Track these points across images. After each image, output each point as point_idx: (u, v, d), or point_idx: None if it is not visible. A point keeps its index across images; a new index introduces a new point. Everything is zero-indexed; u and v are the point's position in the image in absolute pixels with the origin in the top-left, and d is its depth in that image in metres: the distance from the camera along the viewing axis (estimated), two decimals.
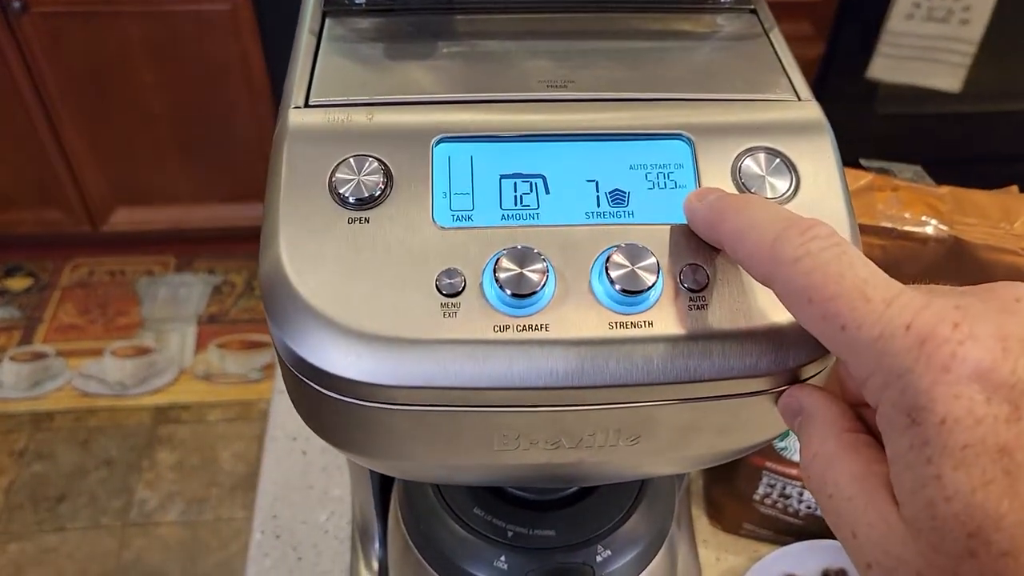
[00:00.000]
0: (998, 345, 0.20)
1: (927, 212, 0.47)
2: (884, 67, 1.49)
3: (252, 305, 2.02)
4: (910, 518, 0.21)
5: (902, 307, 0.22)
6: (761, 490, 0.58)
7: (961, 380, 0.20)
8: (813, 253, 0.24)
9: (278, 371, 0.76)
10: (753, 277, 0.26)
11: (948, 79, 1.51)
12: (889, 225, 0.47)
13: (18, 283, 2.07)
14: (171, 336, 1.95)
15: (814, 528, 0.59)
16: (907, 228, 0.47)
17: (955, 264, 0.48)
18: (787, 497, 0.58)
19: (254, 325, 1.98)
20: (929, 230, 0.47)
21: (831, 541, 0.58)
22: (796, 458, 0.56)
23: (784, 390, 0.30)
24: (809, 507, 0.58)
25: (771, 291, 0.29)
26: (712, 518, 0.64)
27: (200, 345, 1.93)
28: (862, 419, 0.26)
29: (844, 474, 0.24)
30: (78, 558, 1.54)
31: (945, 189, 0.49)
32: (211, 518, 1.61)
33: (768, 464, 0.57)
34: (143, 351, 1.92)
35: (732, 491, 0.60)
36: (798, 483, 0.57)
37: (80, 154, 1.84)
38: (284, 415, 0.71)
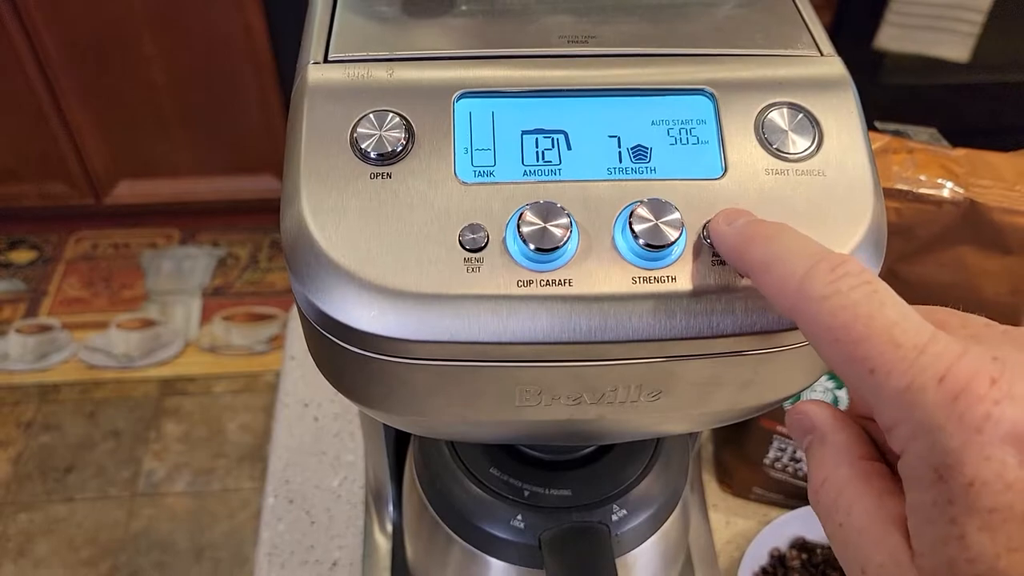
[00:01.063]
0: None
1: (943, 174, 0.47)
2: (892, 36, 1.48)
3: (257, 278, 2.03)
4: (928, 570, 0.21)
5: (935, 356, 0.20)
6: (771, 454, 0.59)
7: (994, 442, 0.19)
8: (843, 292, 0.22)
9: (288, 338, 0.76)
10: (777, 310, 0.25)
11: (956, 48, 1.49)
12: (904, 187, 0.47)
13: (22, 256, 2.07)
14: (176, 309, 1.96)
15: None
16: (922, 191, 0.47)
17: (970, 227, 0.47)
18: (797, 461, 0.58)
19: (259, 298, 1.98)
20: (945, 193, 0.47)
21: None
22: None
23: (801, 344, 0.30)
24: None
25: None
26: (722, 482, 0.64)
27: (205, 318, 1.93)
28: (871, 438, 0.25)
29: (857, 505, 0.23)
30: (87, 528, 1.56)
31: (961, 151, 0.49)
32: (218, 488, 1.62)
33: (779, 428, 0.57)
34: (148, 324, 1.92)
35: (742, 455, 0.61)
36: None
37: (83, 126, 1.83)
38: (295, 382, 0.71)
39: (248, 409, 1.75)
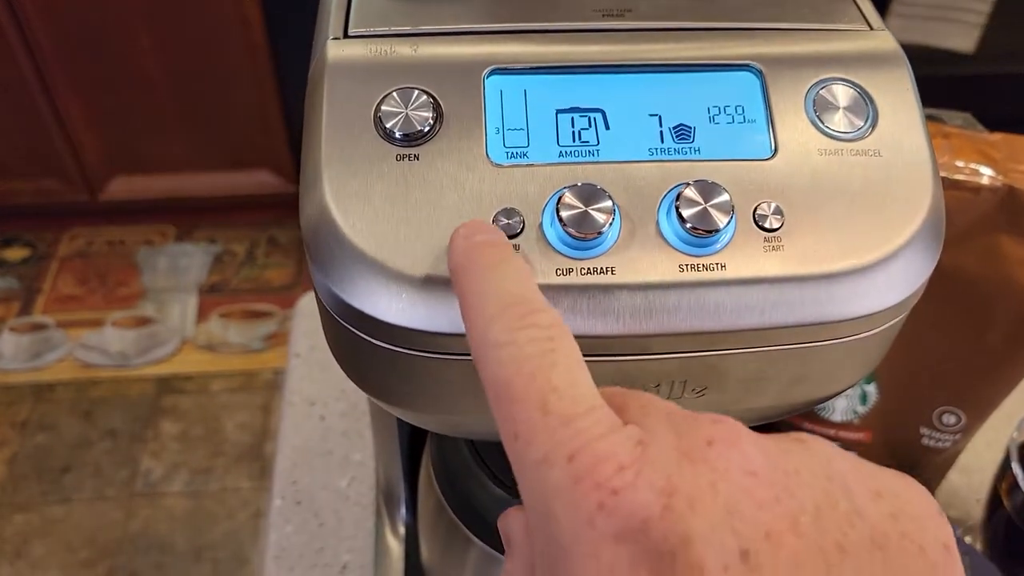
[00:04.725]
0: (659, 500, 0.17)
1: (980, 160, 0.45)
2: (898, 28, 1.46)
3: (254, 275, 2.00)
4: None
5: (577, 431, 0.18)
6: None
7: (605, 538, 0.17)
8: (518, 343, 0.20)
9: (292, 335, 0.74)
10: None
11: (962, 39, 1.48)
12: (942, 174, 0.45)
13: (16, 253, 2.04)
14: (172, 306, 1.93)
15: None
16: (959, 177, 0.45)
17: (1008, 214, 0.46)
18: None
19: (256, 295, 1.95)
20: (983, 180, 0.45)
21: None
22: (835, 418, 0.54)
23: (860, 336, 0.28)
24: None
25: (849, 232, 0.27)
26: None
27: (202, 315, 1.91)
28: None
29: None
30: (84, 529, 1.54)
31: (998, 136, 0.47)
32: (217, 488, 1.60)
33: (805, 424, 0.55)
34: (144, 321, 1.90)
35: None
36: (835, 443, 0.55)
37: (76, 121, 1.80)
38: (301, 380, 0.69)
39: (246, 407, 1.73)
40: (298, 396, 0.68)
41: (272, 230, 2.08)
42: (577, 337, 0.26)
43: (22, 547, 1.51)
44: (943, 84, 1.61)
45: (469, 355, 0.27)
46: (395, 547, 0.56)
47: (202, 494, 1.59)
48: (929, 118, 0.49)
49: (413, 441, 0.51)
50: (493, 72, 0.29)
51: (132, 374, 1.80)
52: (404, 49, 0.29)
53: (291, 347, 0.72)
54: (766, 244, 0.27)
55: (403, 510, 0.56)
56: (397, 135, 0.27)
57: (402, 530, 0.56)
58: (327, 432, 0.66)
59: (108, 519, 1.55)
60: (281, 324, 1.88)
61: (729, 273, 0.26)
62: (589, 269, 0.26)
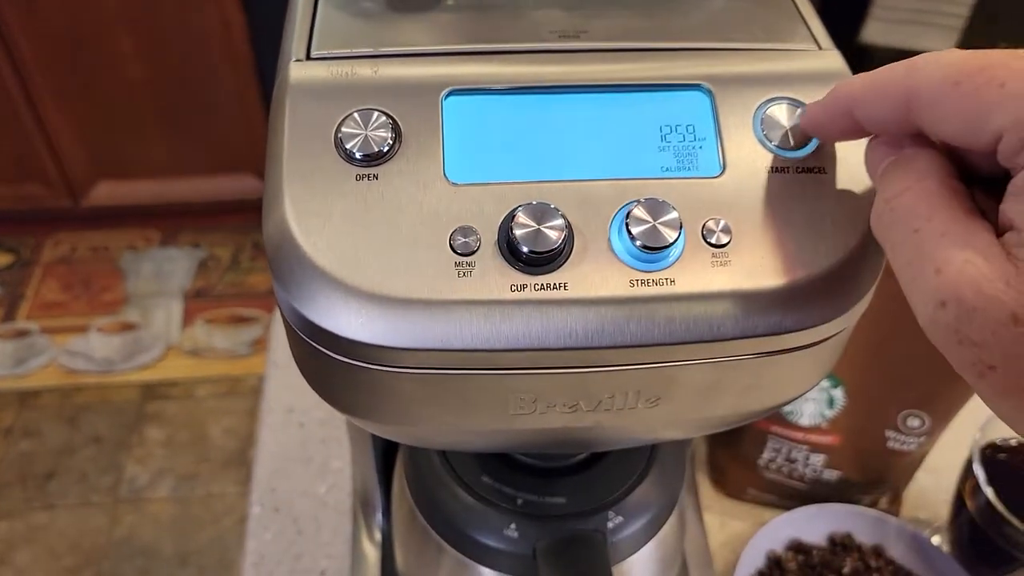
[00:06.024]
0: None
1: None
2: (878, 31, 1.48)
3: (239, 279, 2.00)
4: None
5: None
6: (766, 454, 0.58)
7: None
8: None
9: (272, 342, 0.75)
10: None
11: (940, 42, 1.49)
12: None
13: None
14: (157, 312, 1.93)
15: (819, 493, 0.59)
16: None
17: None
18: (792, 461, 0.58)
19: (241, 299, 1.96)
20: None
21: (837, 505, 0.58)
22: (803, 422, 0.55)
23: (811, 346, 0.29)
24: (815, 471, 0.58)
25: (795, 247, 0.28)
26: (716, 483, 0.63)
27: (187, 320, 1.91)
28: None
29: (942, 212, 0.22)
30: (69, 535, 1.53)
31: None
32: (203, 494, 1.60)
33: (774, 428, 0.57)
34: (129, 327, 1.90)
35: (736, 456, 0.60)
36: (804, 447, 0.56)
37: (58, 126, 1.80)
38: (280, 387, 0.70)
39: (232, 413, 1.73)
40: (277, 403, 0.69)
41: (256, 234, 2.08)
42: (531, 351, 0.27)
43: (6, 554, 1.51)
44: None
45: (427, 369, 0.28)
46: (371, 553, 0.57)
47: (188, 500, 1.59)
48: None
49: (388, 448, 0.52)
50: (451, 93, 0.29)
51: (117, 380, 1.80)
52: (364, 71, 0.30)
53: (269, 355, 0.73)
54: (714, 260, 0.28)
55: (380, 516, 0.56)
56: (357, 155, 0.28)
57: (379, 536, 0.57)
58: (306, 439, 0.67)
59: (93, 525, 1.55)
60: (266, 329, 1.89)
61: (679, 288, 0.27)
62: (543, 285, 0.27)
